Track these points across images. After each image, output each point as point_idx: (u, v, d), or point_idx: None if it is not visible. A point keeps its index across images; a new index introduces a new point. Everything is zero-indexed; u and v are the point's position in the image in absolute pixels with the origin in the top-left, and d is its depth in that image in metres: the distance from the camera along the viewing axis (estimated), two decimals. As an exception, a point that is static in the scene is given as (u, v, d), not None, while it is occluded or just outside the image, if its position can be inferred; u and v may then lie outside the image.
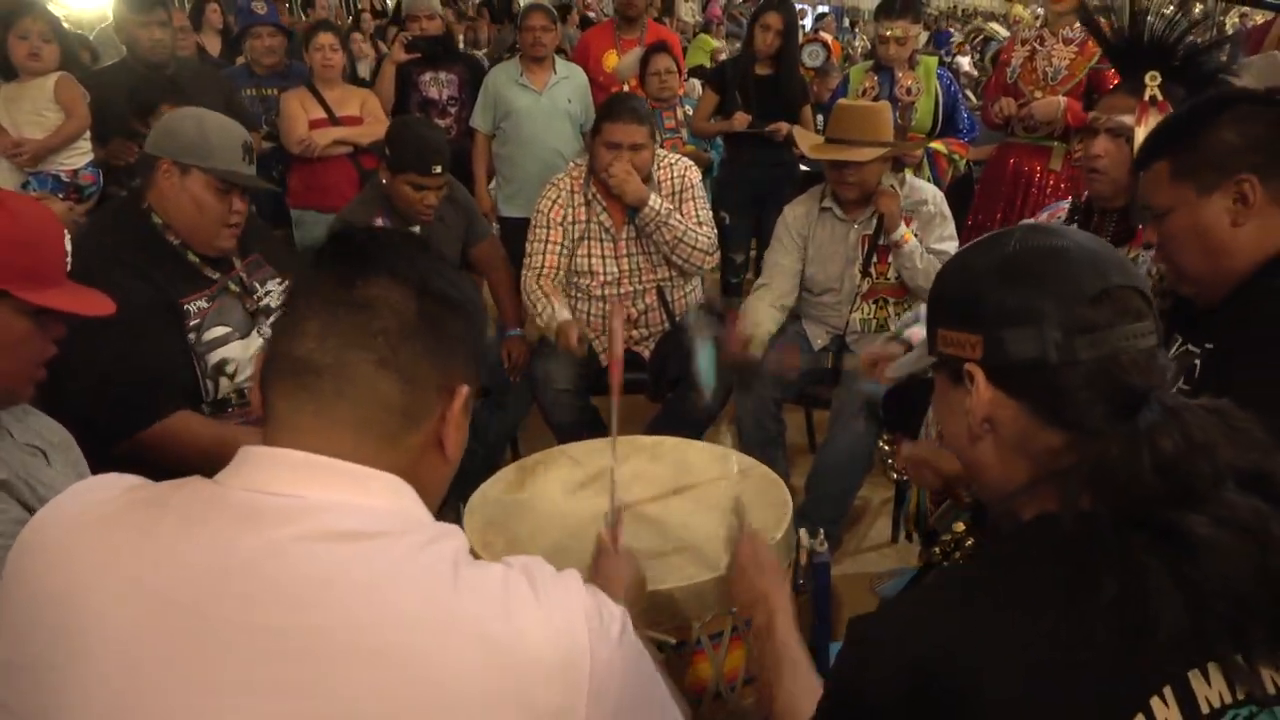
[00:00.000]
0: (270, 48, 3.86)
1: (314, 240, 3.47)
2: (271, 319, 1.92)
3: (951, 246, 2.70)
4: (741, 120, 3.90)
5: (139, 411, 1.74)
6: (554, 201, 2.83)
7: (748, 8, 9.57)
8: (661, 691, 0.83)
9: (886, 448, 2.03)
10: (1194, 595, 0.68)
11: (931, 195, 2.73)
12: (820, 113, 4.38)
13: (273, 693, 0.67)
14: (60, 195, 3.10)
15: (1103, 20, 1.98)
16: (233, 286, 1.95)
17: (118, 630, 0.69)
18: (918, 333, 1.72)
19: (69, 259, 1.29)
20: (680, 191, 2.86)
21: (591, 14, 8.89)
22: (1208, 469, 0.72)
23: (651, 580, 1.42)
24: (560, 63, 3.96)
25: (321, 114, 3.65)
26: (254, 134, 3.66)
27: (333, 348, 0.76)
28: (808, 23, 10.73)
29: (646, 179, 2.76)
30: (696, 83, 5.19)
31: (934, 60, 3.74)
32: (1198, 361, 1.32)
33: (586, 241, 2.82)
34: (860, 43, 8.66)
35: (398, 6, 7.15)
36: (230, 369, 1.90)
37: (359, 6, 9.05)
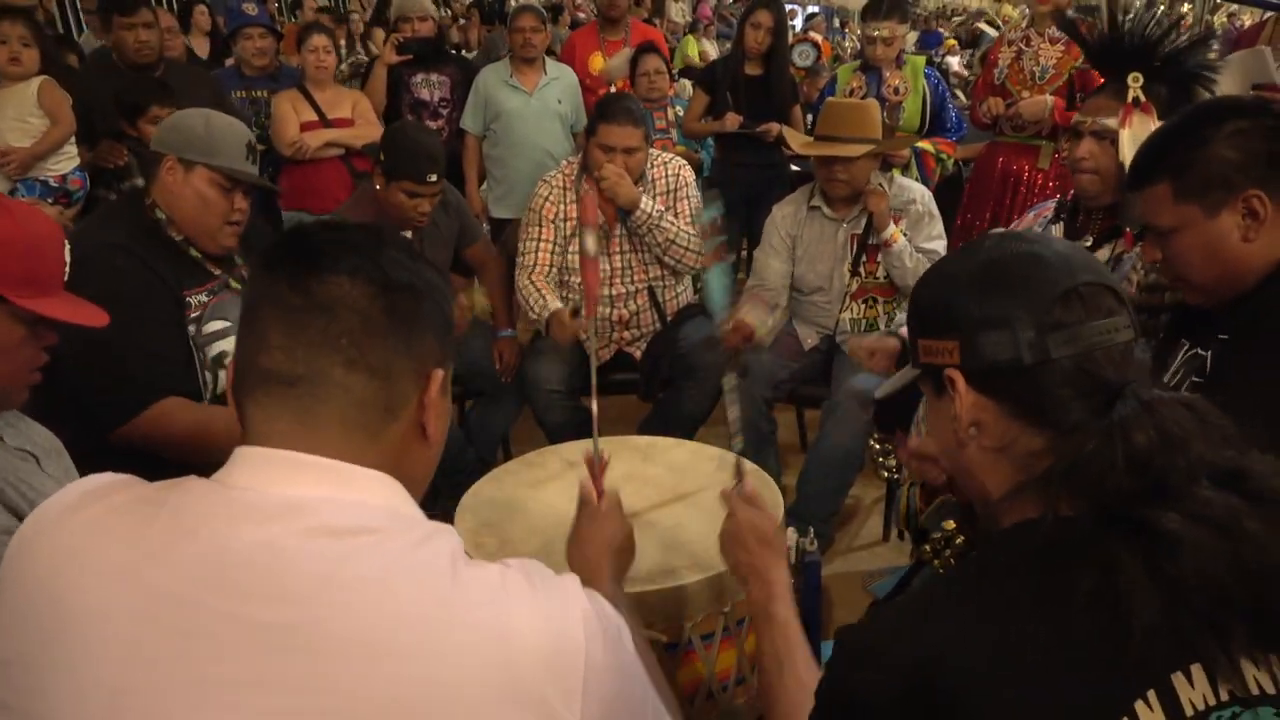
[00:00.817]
0: (261, 49, 3.85)
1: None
2: None
3: (940, 245, 2.71)
4: (733, 121, 3.91)
5: (133, 396, 1.76)
6: (546, 199, 2.83)
7: (738, 8, 9.58)
8: (655, 701, 0.84)
9: (877, 446, 2.04)
10: (1171, 593, 0.68)
11: (920, 194, 2.74)
12: (810, 112, 4.39)
13: (270, 688, 0.67)
14: (49, 200, 3.09)
15: (1084, 22, 1.99)
16: (234, 284, 1.96)
17: (114, 627, 0.70)
18: None
19: (67, 268, 1.30)
20: (674, 190, 2.87)
21: (582, 14, 8.88)
22: (1182, 463, 0.72)
23: (641, 580, 1.42)
24: (550, 64, 3.96)
25: (313, 116, 3.64)
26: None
27: (301, 358, 0.76)
28: (798, 23, 10.75)
29: (640, 179, 2.77)
30: (687, 83, 5.20)
31: (921, 60, 3.76)
32: (1207, 360, 1.32)
33: (578, 239, 2.82)
34: (850, 43, 8.68)
35: (379, 8, 7.14)
36: (229, 361, 1.91)
37: (348, 8, 9.03)
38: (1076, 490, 0.74)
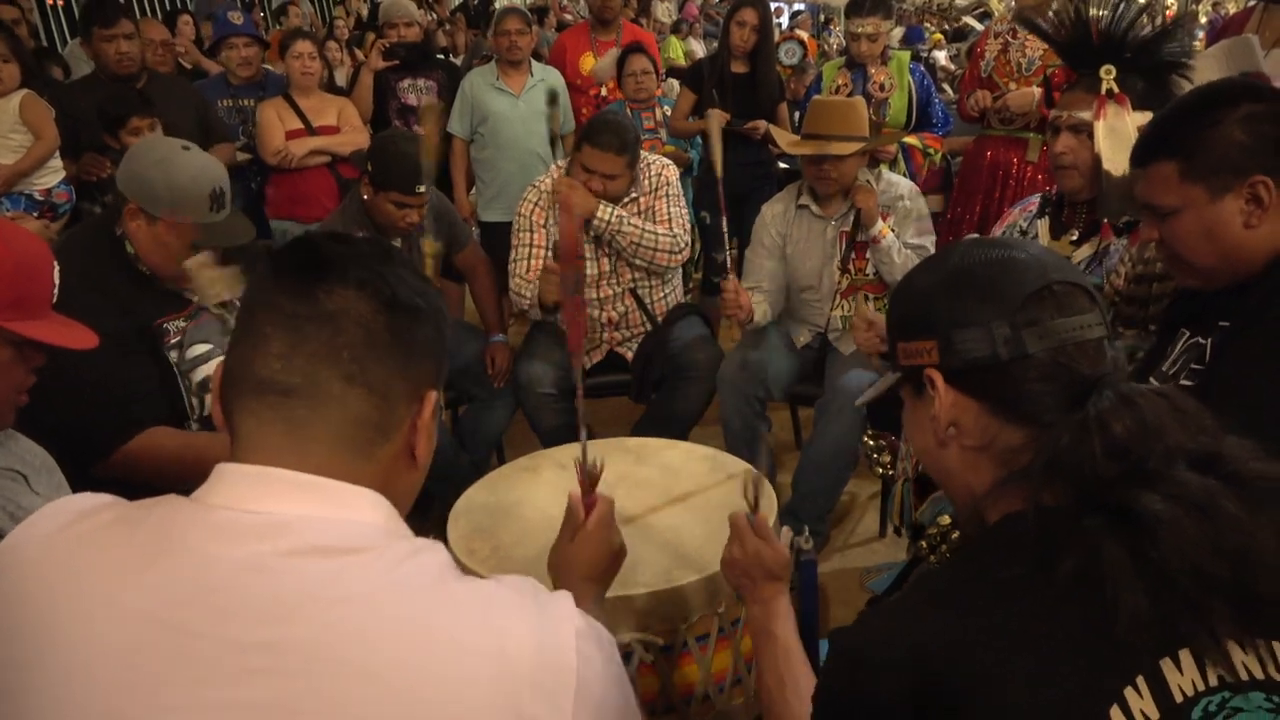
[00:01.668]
0: (246, 58, 3.83)
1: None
2: None
3: (929, 241, 2.71)
4: (720, 118, 3.90)
5: (111, 433, 1.73)
6: (535, 204, 2.82)
7: (724, 7, 9.57)
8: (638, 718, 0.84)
9: (871, 443, 2.04)
10: (1156, 578, 0.69)
11: (908, 190, 2.74)
12: (797, 110, 4.39)
13: (255, 709, 0.66)
14: (34, 214, 3.07)
15: (1050, 19, 1.98)
16: (213, 309, 1.93)
17: (95, 652, 0.68)
18: None
19: (56, 289, 1.29)
20: (655, 189, 2.86)
21: (569, 16, 8.88)
22: (1159, 448, 0.74)
23: (637, 583, 1.42)
24: (537, 66, 3.96)
25: (298, 124, 3.63)
26: (231, 146, 3.66)
27: (300, 367, 0.74)
28: (784, 20, 10.77)
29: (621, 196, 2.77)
30: (675, 82, 5.19)
31: (906, 55, 3.76)
32: (1207, 348, 1.32)
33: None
34: (836, 40, 8.68)
35: (373, 13, 7.13)
36: (217, 366, 1.89)
37: (333, 15, 9.01)
38: (1058, 481, 0.75)
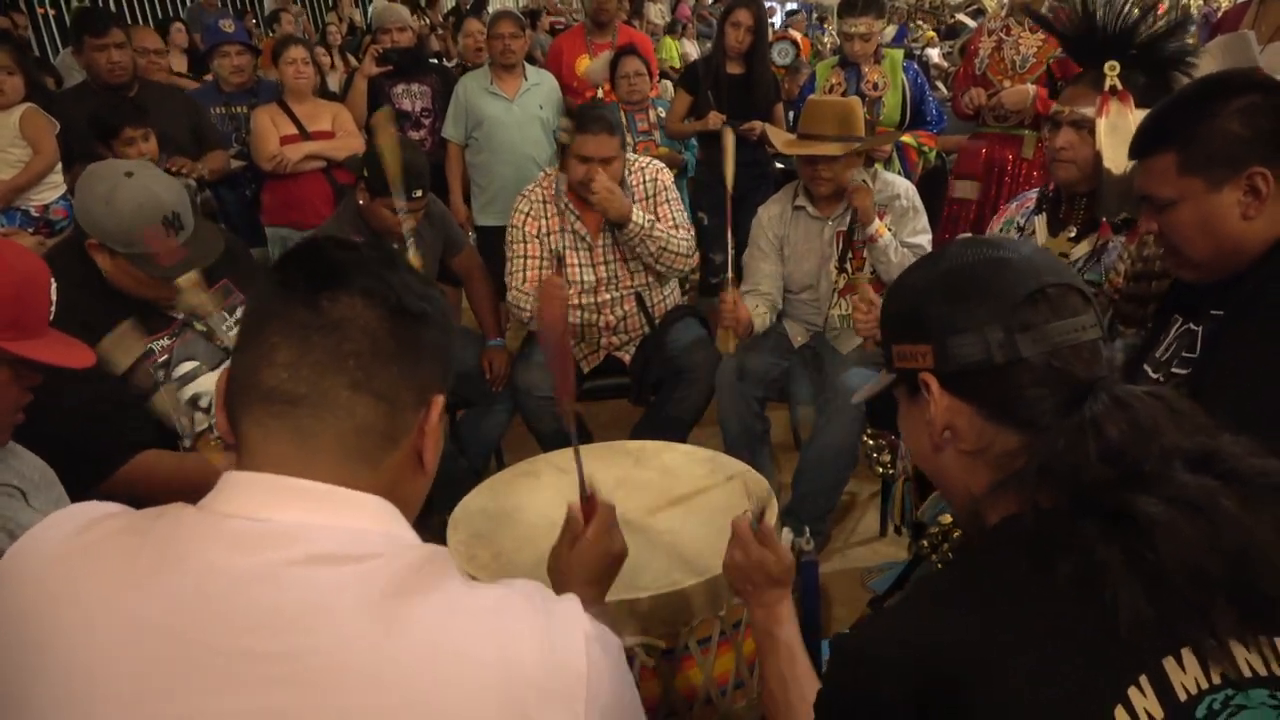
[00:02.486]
0: (238, 66, 3.83)
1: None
2: None
3: (925, 239, 2.71)
4: (716, 119, 3.90)
5: (101, 460, 1.71)
6: (527, 214, 2.82)
7: (717, 8, 9.56)
8: None
9: (870, 442, 2.04)
10: (1154, 579, 0.69)
11: (904, 189, 2.74)
12: (791, 110, 4.39)
13: (263, 719, 0.66)
14: (30, 230, 3.05)
15: (1060, 10, 1.99)
16: (197, 325, 1.90)
17: (99, 661, 0.68)
18: None
19: (53, 308, 1.28)
20: (654, 195, 2.86)
21: (562, 20, 8.87)
22: (1156, 450, 0.73)
23: (638, 587, 1.41)
24: (531, 70, 3.95)
25: (293, 129, 3.63)
26: (226, 153, 3.65)
27: (306, 376, 0.74)
28: (777, 20, 10.76)
29: (620, 184, 2.76)
30: (668, 84, 5.19)
31: (900, 54, 3.76)
32: (1199, 336, 1.32)
33: (562, 250, 2.81)
34: (829, 39, 8.68)
35: (352, 29, 7.13)
36: (204, 403, 1.88)
37: (325, 21, 9.01)
38: (1053, 485, 0.75)
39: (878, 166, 3.01)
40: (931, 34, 8.54)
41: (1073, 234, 1.90)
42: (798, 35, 6.64)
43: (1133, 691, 0.69)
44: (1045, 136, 1.92)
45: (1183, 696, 0.69)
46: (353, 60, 6.03)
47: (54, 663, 0.69)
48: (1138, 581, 0.69)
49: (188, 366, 1.87)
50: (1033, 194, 2.07)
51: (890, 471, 1.98)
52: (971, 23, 6.87)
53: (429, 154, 3.61)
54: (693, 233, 2.91)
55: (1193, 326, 1.34)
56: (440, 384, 0.81)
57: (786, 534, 1.67)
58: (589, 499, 1.18)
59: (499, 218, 3.63)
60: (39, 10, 7.67)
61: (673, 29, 8.88)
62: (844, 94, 3.54)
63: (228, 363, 0.83)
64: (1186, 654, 0.70)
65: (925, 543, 1.49)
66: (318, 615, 0.68)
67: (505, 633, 0.71)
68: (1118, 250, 1.80)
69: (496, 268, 3.03)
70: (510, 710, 0.68)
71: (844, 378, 2.58)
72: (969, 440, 0.84)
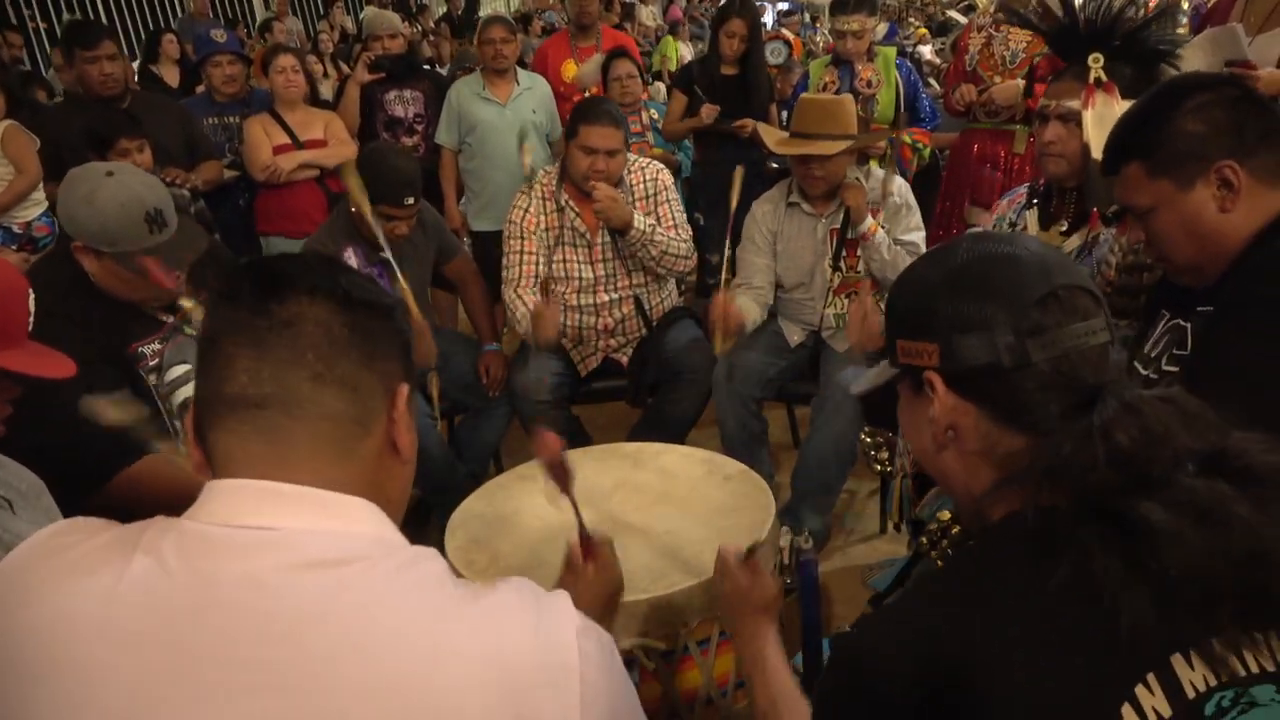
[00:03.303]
0: (230, 76, 3.82)
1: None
2: None
3: (919, 237, 2.71)
4: (709, 111, 3.90)
5: (99, 465, 1.68)
6: (525, 210, 2.81)
7: (708, 9, 9.59)
8: (643, 717, 0.83)
9: (869, 440, 2.03)
10: (1158, 583, 0.68)
11: (897, 186, 2.74)
12: (784, 109, 4.39)
13: None
14: (13, 247, 3.04)
15: (1035, 8, 1.99)
16: (188, 330, 1.90)
17: (91, 674, 0.68)
18: None
19: (32, 318, 1.27)
20: (654, 195, 2.86)
21: (556, 21, 8.89)
22: (1166, 455, 0.72)
23: (636, 589, 1.41)
24: (523, 74, 3.95)
25: (285, 139, 3.62)
26: (219, 163, 3.65)
27: (269, 377, 0.75)
28: (768, 19, 10.78)
29: (618, 184, 2.76)
30: (661, 86, 5.20)
31: (893, 51, 3.77)
32: (1188, 332, 1.33)
33: (561, 247, 2.81)
34: (822, 38, 8.70)
35: (345, 37, 7.13)
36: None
37: (317, 29, 9.01)
38: (1058, 488, 0.74)
39: (872, 164, 3.01)
40: (923, 31, 8.55)
41: (1064, 228, 1.90)
42: (790, 35, 6.64)
43: (1140, 689, 0.68)
44: (1035, 131, 1.93)
45: (1191, 694, 0.69)
46: (345, 68, 6.03)
47: (51, 678, 0.69)
48: (1141, 586, 0.68)
49: (179, 370, 1.87)
50: (1023, 189, 2.07)
51: (889, 469, 1.98)
52: (962, 19, 6.88)
53: (422, 160, 3.60)
54: (690, 233, 2.91)
55: (1181, 322, 1.35)
56: (402, 374, 0.82)
57: (785, 534, 1.68)
58: (587, 540, 1.23)
59: (493, 223, 3.63)
60: (30, 25, 7.67)
61: (674, 30, 8.91)
62: (838, 92, 3.54)
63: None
64: (1194, 652, 0.70)
65: (924, 539, 1.48)
66: (309, 621, 0.68)
67: (496, 630, 0.71)
68: (1108, 242, 1.80)
69: (491, 273, 3.03)
70: (506, 705, 0.69)
71: (841, 376, 2.57)
72: (972, 440, 0.82)
